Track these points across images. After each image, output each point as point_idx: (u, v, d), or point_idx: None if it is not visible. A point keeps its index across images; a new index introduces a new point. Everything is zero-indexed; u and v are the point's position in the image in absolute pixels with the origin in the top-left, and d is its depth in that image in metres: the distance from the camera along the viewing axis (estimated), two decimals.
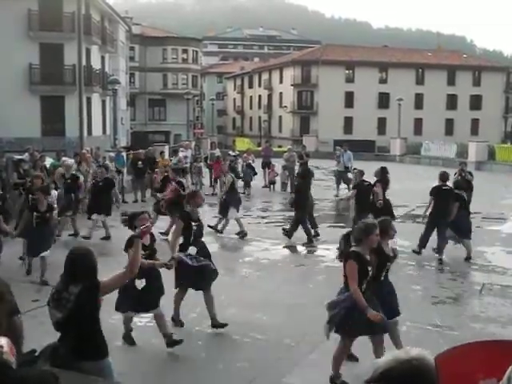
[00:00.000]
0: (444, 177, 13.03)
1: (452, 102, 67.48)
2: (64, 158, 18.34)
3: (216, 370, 7.22)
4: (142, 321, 8.82)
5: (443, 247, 12.71)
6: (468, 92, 67.27)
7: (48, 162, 19.70)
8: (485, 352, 2.82)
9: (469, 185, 17.25)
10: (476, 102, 67.86)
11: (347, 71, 65.57)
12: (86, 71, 35.39)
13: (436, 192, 12.78)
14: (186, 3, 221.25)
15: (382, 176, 14.30)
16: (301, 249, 14.25)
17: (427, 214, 13.02)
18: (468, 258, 12.86)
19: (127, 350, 7.74)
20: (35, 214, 11.04)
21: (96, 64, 38.36)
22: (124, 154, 25.44)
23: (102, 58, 41.19)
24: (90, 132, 36.54)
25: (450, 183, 13.23)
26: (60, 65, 34.47)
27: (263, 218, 18.34)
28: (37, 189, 11.56)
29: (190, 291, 8.61)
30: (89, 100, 36.80)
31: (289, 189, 25.00)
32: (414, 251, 13.23)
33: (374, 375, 2.54)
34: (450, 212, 12.40)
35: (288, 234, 14.85)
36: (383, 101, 64.33)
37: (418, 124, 64.34)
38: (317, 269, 12.41)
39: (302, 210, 14.84)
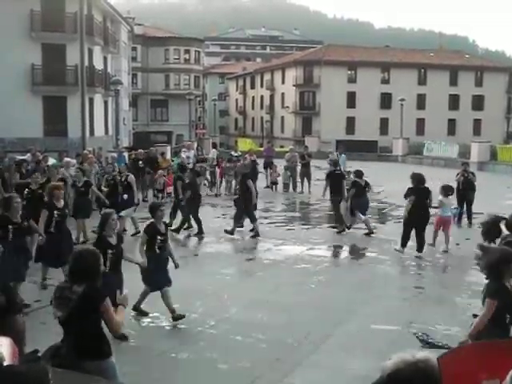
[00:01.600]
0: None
1: (454, 102, 67.42)
2: (66, 159, 18.37)
3: (218, 370, 7.22)
4: (144, 321, 8.83)
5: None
6: (470, 92, 67.21)
7: (50, 162, 19.73)
8: (487, 352, 2.82)
9: (471, 185, 17.28)
10: (478, 103, 67.80)
11: (349, 71, 65.55)
12: (88, 72, 35.42)
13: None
14: (188, 4, 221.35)
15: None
16: (302, 249, 14.24)
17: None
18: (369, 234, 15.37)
19: (130, 350, 7.75)
20: (55, 211, 10.48)
21: (98, 64, 38.36)
22: (126, 154, 25.46)
23: (105, 58, 41.19)
24: (92, 132, 36.56)
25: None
26: (62, 65, 34.44)
27: (265, 218, 18.31)
28: (52, 187, 11.05)
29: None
30: (91, 100, 36.81)
31: (291, 189, 25.02)
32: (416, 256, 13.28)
33: (381, 377, 2.57)
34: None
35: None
36: (385, 101, 64.28)
37: (420, 124, 64.30)
38: (318, 269, 12.41)
39: None
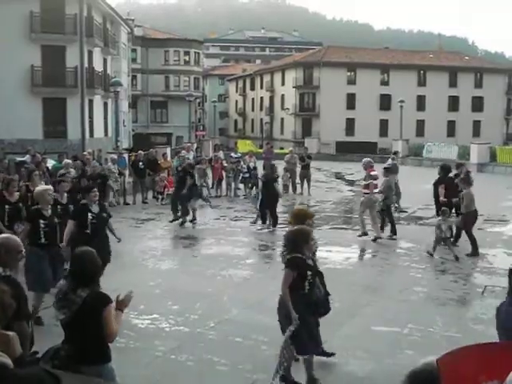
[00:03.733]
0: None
1: (454, 103, 67.48)
2: (66, 160, 18.36)
3: (218, 372, 7.22)
4: (144, 323, 8.83)
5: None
6: (470, 94, 67.28)
7: (50, 163, 19.72)
8: (487, 354, 2.82)
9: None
10: (478, 104, 67.85)
11: (349, 73, 65.60)
12: (88, 73, 35.45)
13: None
14: (187, 5, 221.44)
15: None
16: None
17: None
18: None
19: (129, 352, 7.75)
20: (90, 214, 9.55)
21: (98, 66, 38.40)
22: (126, 155, 25.46)
23: (104, 60, 41.22)
24: (91, 134, 36.59)
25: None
26: (62, 67, 34.48)
27: None
28: (84, 188, 10.69)
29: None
30: (91, 102, 36.84)
31: (290, 190, 25.02)
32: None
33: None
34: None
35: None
36: (385, 102, 64.33)
37: (420, 126, 64.35)
38: None
39: None
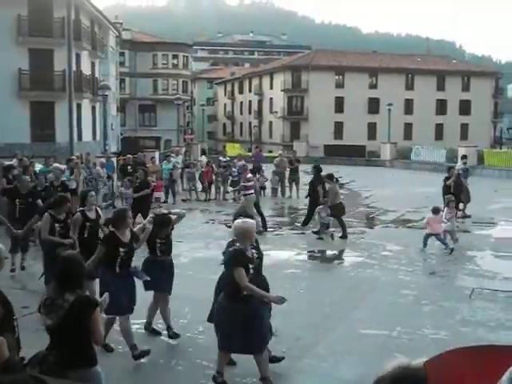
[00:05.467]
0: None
1: (441, 107, 67.79)
2: (55, 164, 18.26)
3: (208, 376, 7.19)
4: (133, 327, 8.78)
5: None
6: (457, 97, 67.62)
7: (37, 167, 19.60)
8: (475, 357, 2.83)
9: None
10: (465, 107, 68.21)
11: (337, 76, 65.75)
12: (75, 77, 35.31)
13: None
14: (175, 8, 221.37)
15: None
16: (291, 254, 14.25)
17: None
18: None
19: (118, 356, 7.71)
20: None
21: (86, 69, 38.27)
22: (114, 159, 25.37)
23: (92, 63, 41.10)
24: (80, 137, 36.44)
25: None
26: (50, 70, 34.33)
27: None
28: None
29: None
30: (79, 105, 36.70)
31: (279, 194, 25.05)
32: None
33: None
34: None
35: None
36: (373, 106, 64.51)
37: (408, 129, 64.58)
38: (307, 274, 12.42)
39: None
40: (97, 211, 9.75)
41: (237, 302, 6.45)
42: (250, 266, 6.53)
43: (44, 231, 9.53)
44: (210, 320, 7.30)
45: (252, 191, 16.83)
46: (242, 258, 6.47)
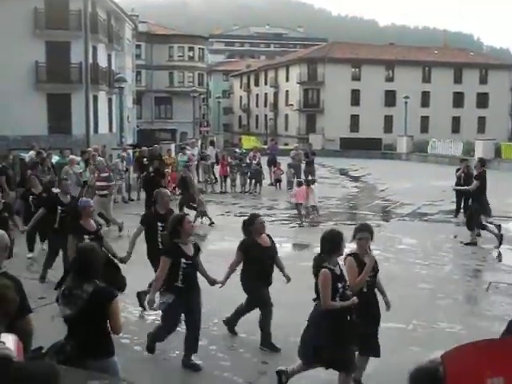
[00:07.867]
0: None
1: (459, 99, 67.22)
2: (71, 156, 18.38)
3: (222, 367, 7.22)
4: (149, 318, 8.84)
5: None
6: (475, 90, 67.00)
7: (54, 159, 19.75)
8: (492, 350, 2.81)
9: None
10: (483, 100, 67.59)
11: (353, 69, 65.41)
12: (92, 69, 35.46)
13: None
14: (192, 1, 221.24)
15: None
16: (306, 247, 14.24)
17: None
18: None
19: (133, 348, 7.76)
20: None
21: (102, 62, 38.40)
22: (131, 151, 25.47)
23: (109, 55, 41.23)
24: (96, 130, 36.61)
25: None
26: (66, 63, 34.53)
27: (269, 216, 18.29)
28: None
29: None
30: (95, 98, 36.86)
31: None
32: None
33: None
34: None
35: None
36: (390, 99, 64.13)
37: (425, 122, 64.17)
38: None
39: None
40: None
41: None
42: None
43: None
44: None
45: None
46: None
